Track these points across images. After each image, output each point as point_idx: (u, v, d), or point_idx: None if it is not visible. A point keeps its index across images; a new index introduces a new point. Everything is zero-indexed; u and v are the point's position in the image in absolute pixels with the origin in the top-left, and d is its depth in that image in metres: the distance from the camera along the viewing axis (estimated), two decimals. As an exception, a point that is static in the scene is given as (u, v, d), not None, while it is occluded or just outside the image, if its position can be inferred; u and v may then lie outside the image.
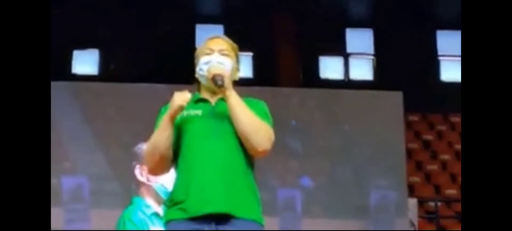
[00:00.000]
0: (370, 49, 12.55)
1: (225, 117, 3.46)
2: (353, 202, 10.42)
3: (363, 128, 10.73)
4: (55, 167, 10.31)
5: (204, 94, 3.55)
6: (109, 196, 10.30)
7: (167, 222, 3.44)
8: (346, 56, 12.41)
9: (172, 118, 3.45)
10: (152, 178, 4.33)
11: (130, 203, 4.34)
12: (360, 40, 12.61)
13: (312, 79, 11.93)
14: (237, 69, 3.63)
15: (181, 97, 3.45)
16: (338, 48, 12.47)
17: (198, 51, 3.62)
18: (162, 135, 3.47)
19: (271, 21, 11.85)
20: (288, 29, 11.82)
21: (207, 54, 3.55)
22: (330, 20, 12.12)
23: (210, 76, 3.45)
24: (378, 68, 12.38)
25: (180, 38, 11.78)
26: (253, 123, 3.46)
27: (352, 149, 10.74)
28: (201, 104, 3.52)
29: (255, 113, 3.50)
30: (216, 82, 3.42)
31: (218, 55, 3.54)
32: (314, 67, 12.23)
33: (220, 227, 3.30)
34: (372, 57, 12.49)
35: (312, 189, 10.72)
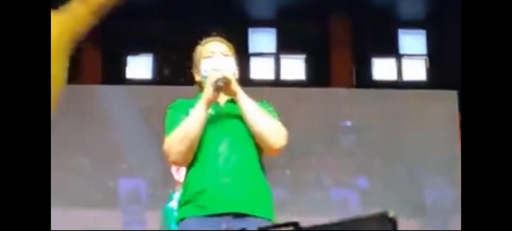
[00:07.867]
0: (423, 50, 12.43)
1: (236, 117, 3.50)
2: (409, 201, 10.37)
3: (418, 127, 10.69)
4: (113, 169, 10.56)
5: None
6: (165, 199, 10.40)
7: (182, 219, 3.41)
8: (399, 57, 12.33)
9: (209, 102, 3.47)
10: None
11: (169, 198, 4.53)
12: (412, 41, 12.50)
13: (365, 80, 11.90)
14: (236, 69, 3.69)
15: (216, 74, 3.48)
16: (391, 50, 12.39)
17: (197, 55, 3.70)
18: (197, 120, 3.42)
19: (324, 23, 11.84)
20: (341, 31, 11.80)
21: (209, 57, 3.62)
22: (383, 22, 12.08)
23: (212, 84, 3.46)
24: (431, 69, 12.27)
25: (233, 42, 11.83)
26: (268, 122, 3.47)
27: (407, 148, 10.69)
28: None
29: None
30: (218, 87, 3.45)
31: (220, 56, 3.61)
32: (367, 69, 12.18)
33: (237, 222, 3.30)
34: (425, 57, 12.38)
35: (367, 189, 10.69)
